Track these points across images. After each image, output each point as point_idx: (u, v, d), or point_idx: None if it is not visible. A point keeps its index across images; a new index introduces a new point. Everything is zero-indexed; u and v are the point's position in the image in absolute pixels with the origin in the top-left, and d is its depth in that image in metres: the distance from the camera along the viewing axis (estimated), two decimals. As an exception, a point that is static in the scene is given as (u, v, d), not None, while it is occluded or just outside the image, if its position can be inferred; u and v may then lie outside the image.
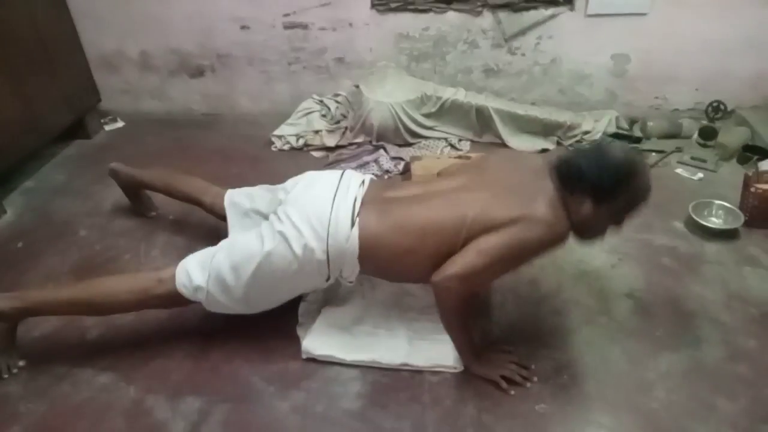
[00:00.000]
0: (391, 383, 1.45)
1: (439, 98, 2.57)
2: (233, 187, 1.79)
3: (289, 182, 1.60)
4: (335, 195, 1.44)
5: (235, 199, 1.72)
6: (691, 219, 1.99)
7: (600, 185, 1.30)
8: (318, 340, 1.53)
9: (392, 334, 1.55)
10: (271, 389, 1.44)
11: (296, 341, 1.55)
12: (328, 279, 1.48)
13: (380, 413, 1.38)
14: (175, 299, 1.46)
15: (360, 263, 1.43)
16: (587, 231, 1.40)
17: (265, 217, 1.54)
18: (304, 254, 1.40)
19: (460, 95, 2.59)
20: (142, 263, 1.90)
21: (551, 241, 1.34)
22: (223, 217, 1.73)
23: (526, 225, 1.30)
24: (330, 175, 1.54)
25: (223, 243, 1.51)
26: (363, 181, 1.53)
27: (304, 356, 1.51)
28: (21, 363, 1.51)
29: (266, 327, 1.60)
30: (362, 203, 1.44)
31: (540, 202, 1.32)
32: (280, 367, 1.50)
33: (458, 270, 1.32)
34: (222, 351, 1.55)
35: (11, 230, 2.09)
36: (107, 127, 2.88)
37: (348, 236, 1.39)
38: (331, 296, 1.68)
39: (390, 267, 1.46)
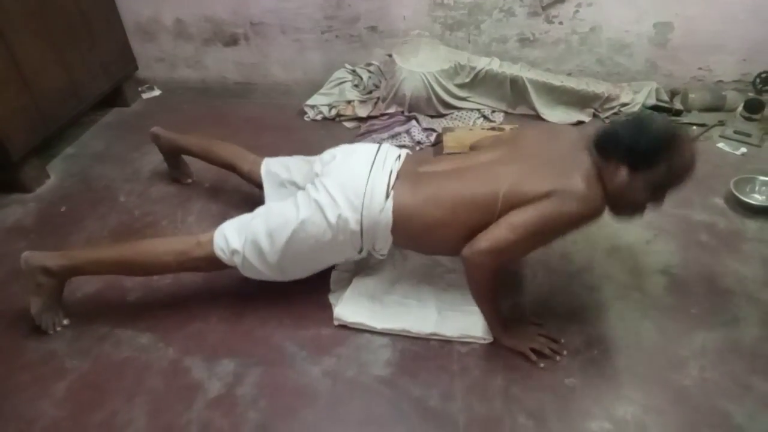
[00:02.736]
0: (421, 352, 1.47)
1: (473, 68, 2.52)
2: (267, 156, 1.81)
3: (326, 154, 1.61)
4: (371, 167, 1.47)
5: (272, 168, 1.74)
6: (732, 195, 1.94)
7: (636, 150, 1.27)
8: (349, 308, 1.55)
9: (422, 304, 1.56)
10: (303, 354, 1.48)
11: (328, 308, 1.58)
12: (360, 251, 1.50)
13: (409, 381, 1.40)
14: (212, 262, 1.50)
15: (393, 235, 1.45)
16: (623, 204, 1.35)
17: (301, 188, 1.55)
18: (338, 224, 1.42)
19: (495, 65, 2.54)
20: (179, 229, 1.95)
21: (585, 216, 1.32)
22: (258, 185, 1.76)
23: (560, 199, 1.28)
24: (367, 148, 1.56)
25: (260, 209, 1.54)
26: (399, 156, 1.54)
27: (335, 323, 1.54)
28: (65, 321, 1.57)
29: (299, 294, 1.63)
30: (397, 176, 1.46)
31: (575, 176, 1.30)
32: (312, 333, 1.53)
33: (489, 244, 1.31)
34: (256, 316, 1.59)
35: (54, 195, 2.16)
36: (144, 95, 2.93)
37: (382, 208, 1.41)
38: (363, 265, 1.70)
39: (422, 239, 1.48)
